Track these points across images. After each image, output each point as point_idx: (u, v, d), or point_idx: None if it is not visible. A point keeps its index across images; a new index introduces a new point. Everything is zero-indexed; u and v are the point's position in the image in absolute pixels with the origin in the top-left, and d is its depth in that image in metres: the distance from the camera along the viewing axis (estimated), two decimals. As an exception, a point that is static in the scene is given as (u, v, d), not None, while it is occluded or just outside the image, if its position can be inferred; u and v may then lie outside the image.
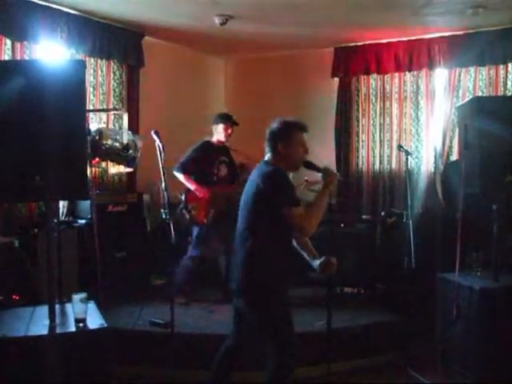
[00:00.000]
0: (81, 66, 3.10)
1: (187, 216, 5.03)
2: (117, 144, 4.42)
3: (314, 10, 5.22)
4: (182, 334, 4.20)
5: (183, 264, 5.07)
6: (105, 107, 5.57)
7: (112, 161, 4.56)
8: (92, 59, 5.51)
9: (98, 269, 4.47)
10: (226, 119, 5.26)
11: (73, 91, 2.95)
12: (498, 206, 4.45)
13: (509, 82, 5.67)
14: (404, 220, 5.52)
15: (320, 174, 3.19)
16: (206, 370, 3.52)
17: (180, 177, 5.06)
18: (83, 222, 5.02)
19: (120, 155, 4.44)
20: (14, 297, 4.32)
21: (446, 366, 4.21)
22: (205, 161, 5.16)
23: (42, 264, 4.39)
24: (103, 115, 5.49)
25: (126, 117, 4.78)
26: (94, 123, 4.97)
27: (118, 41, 5.69)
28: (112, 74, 5.73)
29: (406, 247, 5.28)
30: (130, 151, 4.48)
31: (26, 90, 2.83)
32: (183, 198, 5.11)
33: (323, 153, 6.48)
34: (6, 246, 4.52)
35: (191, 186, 5.04)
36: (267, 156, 3.16)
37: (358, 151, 6.57)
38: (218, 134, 5.25)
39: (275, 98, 6.93)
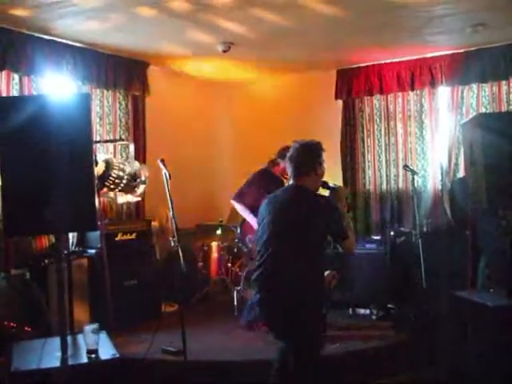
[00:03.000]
0: (86, 98, 3.15)
1: (245, 249, 4.86)
2: (124, 174, 4.46)
3: (313, 35, 5.30)
4: (194, 362, 4.20)
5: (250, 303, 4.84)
6: (111, 137, 5.62)
7: (120, 191, 4.59)
8: (98, 90, 5.60)
9: (108, 298, 4.49)
10: None
11: (79, 124, 3.00)
12: (507, 221, 4.42)
13: (512, 98, 5.70)
14: (413, 239, 5.54)
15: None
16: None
17: (238, 207, 4.88)
18: (93, 251, 5.04)
19: (127, 185, 4.47)
20: (26, 328, 4.33)
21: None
22: (262, 189, 4.81)
23: (53, 295, 4.41)
24: (110, 146, 5.54)
25: (132, 147, 4.82)
26: (101, 154, 5.00)
27: (123, 71, 5.79)
28: (118, 104, 5.81)
29: (415, 266, 5.29)
30: (138, 180, 4.51)
31: (34, 125, 2.89)
32: (238, 230, 4.96)
33: (329, 175, 6.46)
34: (18, 278, 4.56)
35: (248, 219, 4.84)
36: (298, 178, 3.11)
37: (364, 172, 6.58)
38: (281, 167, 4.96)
39: (281, 122, 6.96)
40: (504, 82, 5.72)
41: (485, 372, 3.94)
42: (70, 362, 2.92)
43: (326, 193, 3.34)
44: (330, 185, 3.35)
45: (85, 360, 2.96)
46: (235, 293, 5.55)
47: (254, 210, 4.77)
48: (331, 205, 3.02)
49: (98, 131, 5.57)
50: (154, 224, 5.72)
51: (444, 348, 4.45)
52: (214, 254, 6.03)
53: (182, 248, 4.10)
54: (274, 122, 7.02)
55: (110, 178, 4.35)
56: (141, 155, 5.86)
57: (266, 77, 7.02)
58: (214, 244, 6.04)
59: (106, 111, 5.68)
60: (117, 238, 5.22)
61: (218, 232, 6.05)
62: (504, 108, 5.74)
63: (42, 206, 2.82)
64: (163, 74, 6.43)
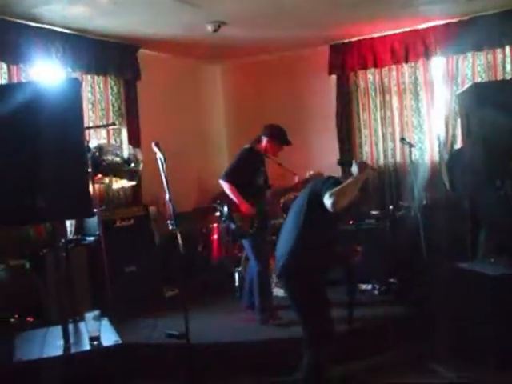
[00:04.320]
0: (76, 84, 3.13)
1: (233, 226, 4.86)
2: (118, 159, 4.41)
3: (304, 12, 5.22)
4: (198, 344, 4.21)
5: (256, 283, 4.77)
6: (105, 122, 5.57)
7: (114, 176, 4.54)
8: (89, 76, 5.53)
9: (108, 285, 4.49)
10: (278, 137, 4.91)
11: (70, 110, 2.97)
12: (505, 191, 4.40)
13: (508, 66, 5.63)
14: (412, 213, 5.53)
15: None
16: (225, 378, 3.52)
17: (225, 186, 4.83)
18: (92, 238, 5.02)
19: (121, 170, 4.42)
20: (27, 319, 4.33)
21: (466, 356, 4.15)
22: (249, 169, 4.87)
23: (53, 284, 4.40)
24: (103, 131, 5.49)
25: (124, 131, 4.77)
26: (94, 140, 4.94)
27: (114, 56, 5.71)
28: (110, 90, 5.75)
29: (416, 240, 5.28)
30: (132, 165, 4.47)
31: (23, 113, 2.85)
32: (226, 208, 4.92)
33: (326, 151, 6.47)
34: (18, 268, 4.55)
35: (236, 199, 4.78)
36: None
37: (361, 147, 6.53)
38: (263, 145, 4.92)
39: (274, 101, 6.92)
40: (499, 50, 5.66)
41: (486, 343, 3.96)
42: (73, 350, 2.93)
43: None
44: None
45: (87, 347, 2.95)
46: (236, 274, 5.55)
47: (240, 189, 4.77)
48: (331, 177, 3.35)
49: (91, 118, 5.51)
50: (152, 209, 5.69)
51: (445, 320, 4.46)
52: (214, 236, 6.00)
53: (180, 231, 4.09)
54: (268, 101, 6.96)
55: (104, 163, 4.30)
56: (135, 140, 5.80)
57: (259, 54, 6.92)
58: (213, 226, 6.02)
59: (98, 97, 5.61)
60: (115, 225, 5.19)
61: (217, 214, 6.02)
62: (499, 76, 5.68)
63: (34, 195, 2.80)
64: (154, 57, 6.33)
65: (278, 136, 4.84)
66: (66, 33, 5.19)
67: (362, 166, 3.26)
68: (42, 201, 2.81)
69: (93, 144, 4.45)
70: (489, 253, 4.63)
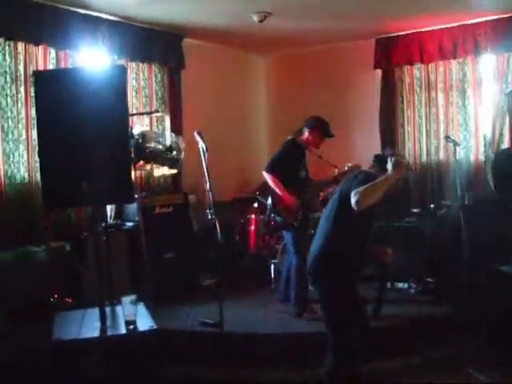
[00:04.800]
0: (122, 71, 3.17)
1: (278, 219, 4.82)
2: (160, 146, 4.45)
3: (350, 4, 5.15)
4: (231, 333, 4.23)
5: (293, 276, 4.75)
6: (148, 110, 5.63)
7: (156, 163, 4.58)
8: (133, 63, 5.60)
9: (147, 270, 4.54)
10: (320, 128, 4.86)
11: (115, 96, 3.01)
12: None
13: (561, 64, 5.44)
14: (454, 212, 5.40)
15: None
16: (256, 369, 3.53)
17: (268, 178, 4.80)
18: (131, 224, 5.09)
19: (163, 157, 4.45)
20: (66, 299, 4.43)
21: (500, 361, 4.05)
22: (292, 161, 4.84)
23: (92, 267, 4.48)
24: (146, 118, 5.54)
25: (167, 119, 4.81)
26: (137, 126, 4.99)
27: (159, 44, 5.76)
28: (154, 77, 5.80)
29: (457, 240, 5.16)
30: (174, 152, 4.50)
31: (70, 98, 2.91)
32: (269, 201, 4.90)
33: (369, 146, 6.37)
34: (58, 250, 4.65)
35: (279, 191, 4.77)
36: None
37: (404, 143, 6.40)
38: (305, 136, 4.88)
39: (318, 93, 6.83)
40: (552, 47, 5.46)
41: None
42: (109, 332, 2.97)
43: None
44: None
45: (123, 331, 2.98)
46: (272, 266, 5.55)
47: (283, 181, 4.75)
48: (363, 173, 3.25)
49: (135, 104, 5.58)
50: (192, 197, 5.72)
51: (482, 324, 4.36)
52: (251, 227, 6.01)
53: (219, 221, 4.12)
54: (312, 93, 6.88)
55: (146, 150, 4.34)
56: (177, 128, 5.83)
57: (304, 46, 6.86)
58: (251, 217, 6.02)
59: (142, 84, 5.68)
60: (154, 211, 5.24)
61: (255, 205, 6.02)
62: (552, 75, 5.49)
63: (79, 179, 2.85)
64: (198, 47, 6.35)
65: (321, 128, 4.80)
66: (112, 20, 5.27)
67: (398, 164, 3.09)
68: (86, 185, 2.86)
69: (136, 131, 4.49)
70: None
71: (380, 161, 3.29)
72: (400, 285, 5.43)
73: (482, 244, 5.07)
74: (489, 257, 4.81)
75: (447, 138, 4.90)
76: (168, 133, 4.60)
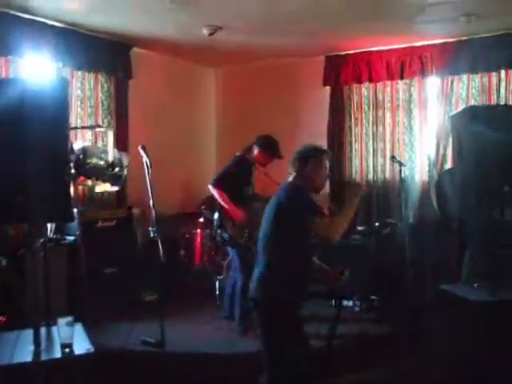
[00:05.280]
0: (63, 84, 3.04)
1: (225, 236, 4.76)
2: (102, 162, 4.32)
3: (302, 21, 5.17)
4: (173, 354, 4.13)
5: (237, 294, 4.70)
6: (93, 121, 5.48)
7: (97, 179, 4.45)
8: (79, 72, 5.43)
9: (84, 288, 4.40)
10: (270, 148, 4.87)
11: (56, 110, 2.88)
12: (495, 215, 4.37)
13: (502, 90, 5.60)
14: (399, 231, 5.48)
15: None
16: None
17: (215, 193, 4.76)
18: (72, 238, 4.92)
19: (105, 174, 4.33)
20: (0, 318, 4.22)
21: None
22: (239, 177, 4.84)
23: (29, 284, 4.29)
24: (89, 131, 5.38)
25: (111, 134, 4.68)
26: (79, 141, 4.83)
27: (106, 53, 5.61)
28: (100, 87, 5.64)
29: (401, 258, 5.24)
30: (116, 169, 4.37)
31: (7, 109, 2.76)
32: (216, 216, 4.86)
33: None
34: (-6, 265, 4.44)
35: (227, 205, 4.72)
36: (292, 176, 3.24)
37: (351, 161, 6.46)
38: (254, 155, 4.89)
39: (266, 107, 6.84)
40: (494, 74, 5.63)
41: (466, 369, 3.91)
42: (43, 356, 2.83)
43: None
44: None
45: (58, 355, 2.86)
46: (217, 282, 5.48)
47: (230, 196, 4.72)
48: (295, 189, 3.16)
49: (79, 114, 5.41)
50: (136, 210, 5.59)
51: (426, 343, 4.41)
52: (197, 242, 5.93)
53: (163, 235, 4.02)
54: (261, 107, 6.88)
55: (88, 166, 4.20)
56: (123, 139, 5.72)
57: (254, 60, 6.84)
58: (197, 231, 5.94)
59: (88, 94, 5.51)
60: (97, 226, 5.10)
61: (201, 219, 5.95)
62: (494, 99, 5.65)
63: (14, 194, 2.71)
64: (148, 57, 6.23)
65: (270, 148, 4.81)
66: (58, 26, 5.09)
67: (356, 190, 3.26)
68: (21, 201, 2.72)
69: (77, 146, 4.34)
70: (474, 276, 4.59)
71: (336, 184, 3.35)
72: (345, 302, 5.44)
73: (426, 263, 5.18)
74: (432, 276, 4.91)
75: (393, 158, 4.98)
76: (111, 148, 4.47)
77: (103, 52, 5.58)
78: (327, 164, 3.28)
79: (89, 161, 4.23)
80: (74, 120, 5.30)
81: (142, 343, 4.33)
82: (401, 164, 4.74)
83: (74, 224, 4.90)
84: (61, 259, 4.75)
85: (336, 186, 6.25)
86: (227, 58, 6.71)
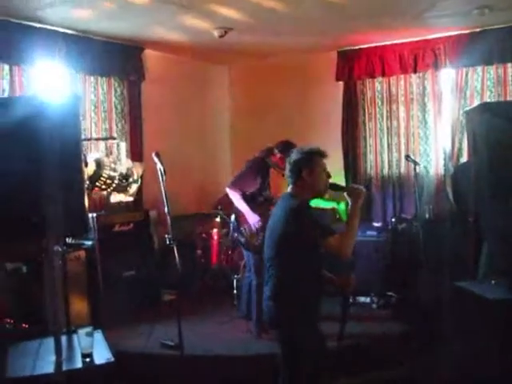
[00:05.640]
0: (77, 100, 3.08)
1: (242, 239, 4.74)
2: (115, 174, 4.36)
3: (313, 21, 5.15)
4: (192, 356, 4.18)
5: (254, 296, 4.69)
6: (107, 125, 5.53)
7: (112, 190, 4.50)
8: (92, 77, 5.47)
9: (101, 292, 4.46)
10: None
11: (69, 126, 2.92)
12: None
13: (517, 81, 5.54)
14: (415, 226, 5.46)
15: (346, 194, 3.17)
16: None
17: (232, 195, 4.72)
18: (90, 243, 4.99)
19: (119, 185, 4.37)
20: (23, 325, 4.31)
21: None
22: (257, 180, 4.77)
23: (48, 291, 4.36)
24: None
25: (123, 145, 4.71)
26: (93, 152, 4.87)
27: (118, 57, 5.64)
28: (113, 91, 5.68)
29: (417, 254, 5.22)
30: (130, 180, 4.41)
31: (23, 127, 2.81)
32: (233, 218, 4.88)
33: (330, 158, 6.31)
34: (14, 272, 4.51)
35: (243, 209, 4.70)
36: (290, 187, 3.15)
37: (365, 156, 6.41)
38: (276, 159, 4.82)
39: (280, 104, 6.82)
40: (510, 65, 5.53)
41: (481, 368, 3.91)
42: (65, 366, 2.89)
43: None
44: (342, 186, 3.33)
45: (79, 365, 2.93)
46: (234, 281, 5.52)
47: (248, 199, 4.71)
48: (297, 210, 3.01)
49: (93, 119, 5.46)
50: (153, 213, 5.64)
51: (443, 340, 4.41)
52: (214, 242, 5.97)
53: (180, 235, 4.05)
54: (275, 104, 6.85)
55: (101, 178, 4.25)
56: (138, 141, 5.77)
57: (266, 57, 6.82)
58: (214, 231, 5.98)
59: (101, 98, 5.55)
60: (114, 229, 5.17)
61: (217, 219, 5.99)
62: (509, 91, 5.57)
63: (29, 213, 2.76)
64: (160, 58, 6.24)
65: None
66: (69, 33, 5.14)
67: (356, 193, 3.08)
68: (38, 218, 2.77)
69: (91, 158, 4.39)
70: (491, 273, 4.56)
71: (335, 189, 3.27)
72: (362, 299, 5.46)
73: (442, 259, 5.16)
74: (448, 272, 4.89)
75: (407, 157, 4.95)
76: (123, 159, 4.51)
77: (115, 56, 5.61)
78: (325, 165, 3.15)
79: (102, 172, 4.28)
80: (88, 125, 5.36)
81: (161, 346, 4.41)
82: (415, 163, 4.72)
83: (93, 228, 4.98)
84: (80, 264, 4.82)
85: (350, 181, 6.25)
86: (239, 56, 6.70)
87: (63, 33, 5.07)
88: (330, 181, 3.22)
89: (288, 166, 3.13)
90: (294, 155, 3.12)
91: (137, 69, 5.86)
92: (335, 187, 3.24)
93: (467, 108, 5.36)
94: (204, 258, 5.99)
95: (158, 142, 5.64)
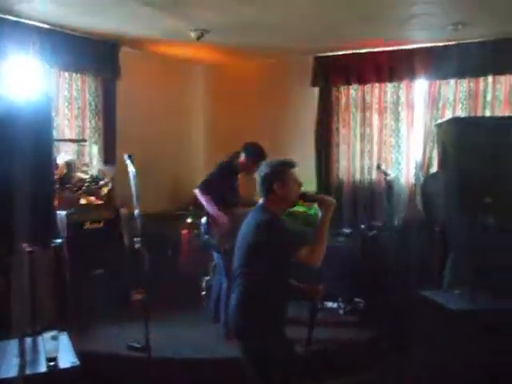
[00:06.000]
0: (49, 101, 3.05)
1: (212, 242, 4.78)
2: (86, 176, 4.32)
3: (291, 26, 5.18)
4: (158, 359, 4.17)
5: (223, 298, 4.73)
6: (80, 122, 5.47)
7: (83, 193, 4.45)
8: (66, 73, 5.39)
9: (68, 293, 4.41)
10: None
11: (40, 127, 2.90)
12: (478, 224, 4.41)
13: (488, 95, 5.66)
14: (384, 233, 5.55)
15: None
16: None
17: (201, 198, 4.79)
18: (59, 241, 4.92)
19: (89, 187, 4.33)
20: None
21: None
22: (225, 183, 4.88)
23: (16, 289, 4.31)
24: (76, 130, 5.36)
25: (95, 148, 4.66)
26: (63, 154, 4.82)
27: (93, 53, 5.56)
28: (87, 88, 5.61)
29: (385, 261, 5.30)
30: (101, 183, 4.37)
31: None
32: (203, 221, 4.91)
33: (303, 163, 6.36)
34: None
35: (212, 211, 4.76)
36: (262, 200, 3.12)
37: (338, 162, 6.47)
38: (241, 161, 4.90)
39: (255, 106, 6.83)
40: (482, 79, 5.68)
41: (445, 376, 4.00)
42: (28, 370, 2.86)
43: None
44: (314, 196, 3.32)
45: (43, 369, 2.90)
46: (204, 283, 5.53)
47: (217, 201, 4.75)
48: (269, 223, 3.00)
49: (66, 115, 5.39)
50: (123, 210, 5.60)
51: (409, 347, 4.49)
52: (184, 243, 5.96)
53: (151, 235, 4.02)
54: (250, 107, 6.86)
55: (72, 181, 4.20)
56: (111, 139, 5.72)
57: (243, 59, 6.82)
58: (184, 232, 5.97)
59: (75, 95, 5.47)
60: (84, 227, 5.11)
61: (189, 220, 5.98)
62: (480, 104, 5.71)
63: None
64: (136, 56, 6.17)
65: (257, 155, 4.79)
66: (44, 28, 5.05)
67: (330, 204, 3.07)
68: (5, 217, 2.75)
69: (61, 160, 4.33)
70: (455, 283, 4.65)
71: (306, 200, 3.27)
72: (329, 304, 5.52)
73: (410, 267, 5.24)
74: (415, 280, 4.97)
75: (378, 167, 5.01)
76: (95, 162, 4.46)
77: (90, 53, 5.52)
78: (296, 175, 3.08)
79: (73, 175, 4.23)
80: (61, 121, 5.29)
81: (128, 348, 4.39)
82: (386, 174, 4.79)
83: (63, 226, 4.93)
84: (47, 263, 4.76)
85: (323, 187, 6.31)
86: (216, 56, 6.67)
87: (38, 27, 4.98)
88: (302, 189, 3.17)
89: (258, 180, 3.10)
90: (264, 169, 3.08)
91: (112, 66, 5.78)
92: (306, 198, 3.22)
93: (439, 121, 5.46)
94: (174, 258, 5.97)
95: (131, 140, 5.61)
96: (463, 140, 4.23)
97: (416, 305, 4.56)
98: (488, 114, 5.67)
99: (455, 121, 4.58)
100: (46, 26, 5.04)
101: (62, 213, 4.74)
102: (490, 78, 5.64)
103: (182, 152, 6.94)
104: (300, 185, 3.15)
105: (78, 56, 5.38)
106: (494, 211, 4.10)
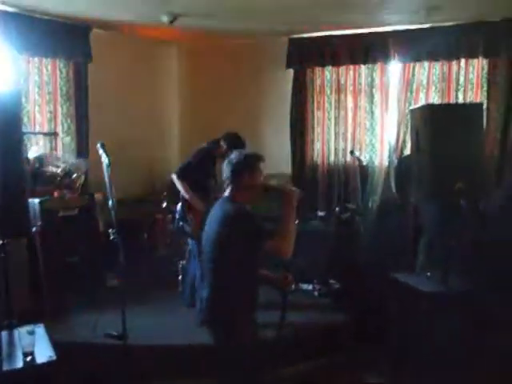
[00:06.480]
0: (17, 96, 3.01)
1: (187, 229, 4.80)
2: (58, 170, 4.26)
3: (264, 13, 5.13)
4: (135, 346, 4.19)
5: (199, 285, 4.67)
6: (51, 108, 5.37)
7: (55, 188, 4.39)
8: (36, 58, 5.28)
9: (43, 282, 4.38)
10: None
11: (9, 122, 2.86)
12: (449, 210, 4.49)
13: (461, 78, 5.71)
14: (358, 216, 5.62)
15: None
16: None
17: (178, 184, 4.81)
18: (33, 229, 4.89)
19: (62, 181, 4.28)
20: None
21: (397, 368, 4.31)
22: (203, 170, 4.90)
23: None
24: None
25: (68, 139, 4.58)
26: (34, 148, 4.73)
27: (63, 37, 5.43)
28: (58, 72, 5.49)
29: (359, 244, 5.38)
30: (73, 176, 4.32)
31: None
32: (179, 207, 4.90)
33: (278, 145, 6.44)
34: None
35: (188, 197, 4.78)
36: (228, 191, 3.12)
37: (313, 144, 6.48)
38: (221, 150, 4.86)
39: (230, 87, 6.77)
40: (454, 62, 5.72)
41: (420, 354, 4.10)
42: (5, 366, 2.87)
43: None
44: (276, 187, 3.32)
45: (20, 364, 2.91)
46: (180, 266, 5.55)
47: (194, 188, 4.77)
48: (236, 215, 3.01)
49: (37, 101, 5.29)
50: (98, 195, 5.56)
51: (380, 329, 4.59)
52: (160, 227, 5.96)
53: (127, 220, 3.99)
54: (224, 87, 6.79)
55: (44, 175, 4.14)
56: (83, 126, 5.64)
57: (217, 40, 6.73)
58: (159, 217, 5.96)
59: (46, 80, 5.37)
60: (59, 215, 5.07)
61: (164, 205, 5.96)
62: (453, 87, 5.76)
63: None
64: (107, 38, 6.03)
65: (237, 146, 4.77)
66: (11, 12, 4.92)
67: (292, 194, 3.08)
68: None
69: (32, 154, 4.26)
70: (427, 264, 4.75)
71: (268, 189, 3.26)
72: (304, 286, 5.59)
73: (383, 249, 5.33)
74: (388, 262, 5.06)
75: (352, 152, 5.04)
76: (67, 155, 4.39)
77: (60, 36, 5.39)
78: (262, 170, 3.12)
79: (45, 169, 4.17)
80: (32, 108, 5.20)
81: (105, 336, 4.39)
82: (359, 160, 4.82)
83: (36, 214, 4.88)
84: (21, 252, 4.73)
85: (297, 169, 6.34)
86: (190, 37, 6.58)
87: (4, 11, 4.85)
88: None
89: (227, 169, 3.10)
90: (234, 159, 3.09)
91: (83, 50, 5.65)
92: (268, 188, 3.21)
93: (412, 106, 5.49)
94: (149, 243, 5.98)
95: (104, 125, 5.54)
96: (435, 126, 4.28)
97: (389, 287, 4.66)
98: (461, 96, 5.73)
99: (428, 107, 4.61)
100: (14, 9, 4.91)
101: (35, 200, 4.70)
102: (462, 61, 5.68)
103: (156, 136, 6.86)
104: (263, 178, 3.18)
105: (47, 40, 5.27)
106: (466, 195, 4.18)
